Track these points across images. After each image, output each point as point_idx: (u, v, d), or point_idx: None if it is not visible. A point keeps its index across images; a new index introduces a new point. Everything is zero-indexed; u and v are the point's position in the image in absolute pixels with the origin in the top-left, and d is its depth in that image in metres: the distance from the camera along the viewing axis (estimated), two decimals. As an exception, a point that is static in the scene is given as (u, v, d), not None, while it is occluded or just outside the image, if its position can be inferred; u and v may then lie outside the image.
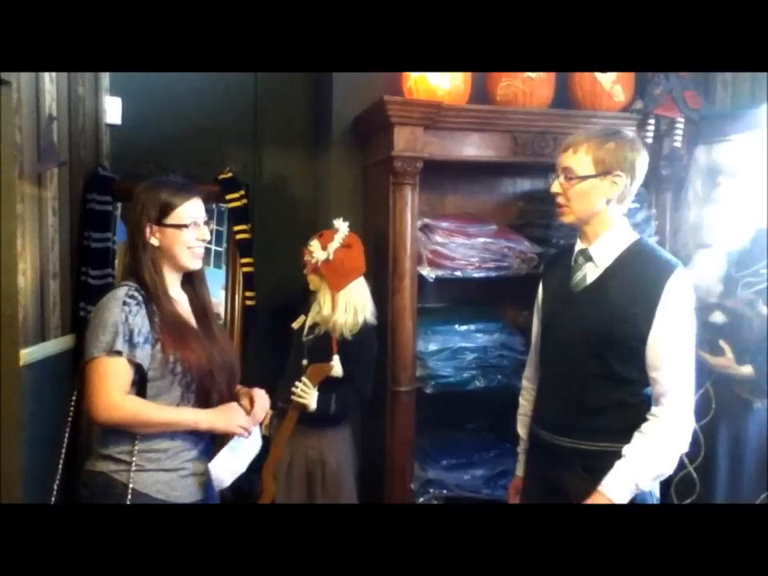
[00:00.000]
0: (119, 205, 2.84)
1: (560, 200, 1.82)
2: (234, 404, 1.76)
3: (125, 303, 1.64)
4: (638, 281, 1.73)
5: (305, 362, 2.39)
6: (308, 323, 2.45)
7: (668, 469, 1.70)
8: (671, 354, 1.70)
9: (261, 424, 1.87)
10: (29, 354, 2.25)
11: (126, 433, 1.66)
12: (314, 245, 2.41)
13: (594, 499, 1.66)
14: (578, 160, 1.76)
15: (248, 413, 1.79)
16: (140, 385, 1.67)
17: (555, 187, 1.82)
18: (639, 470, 1.67)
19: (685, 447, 1.71)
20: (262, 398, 1.84)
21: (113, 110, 2.98)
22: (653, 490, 1.79)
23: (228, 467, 1.77)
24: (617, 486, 1.66)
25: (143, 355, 1.64)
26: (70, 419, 1.83)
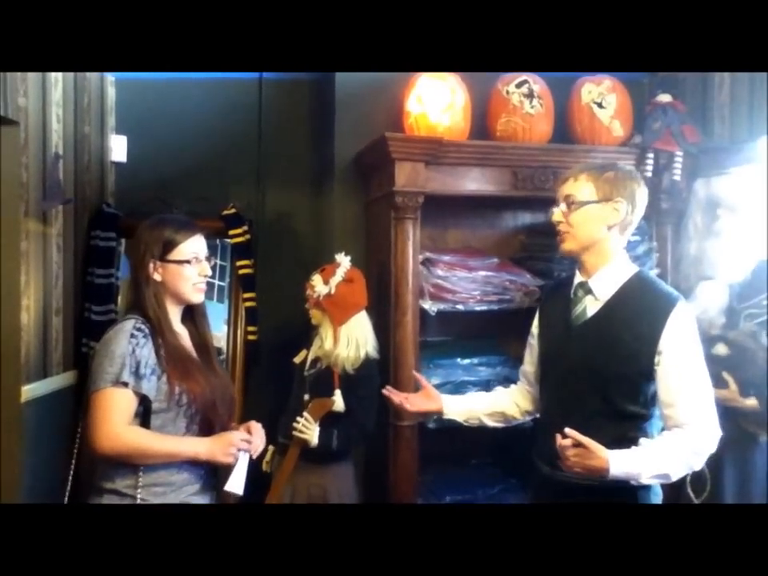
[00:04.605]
0: (123, 241, 2.86)
1: (562, 227, 1.82)
2: (232, 432, 1.77)
3: (132, 336, 1.67)
4: (639, 315, 1.73)
5: (306, 396, 2.38)
6: (310, 358, 2.45)
7: (674, 472, 1.67)
8: (683, 388, 1.68)
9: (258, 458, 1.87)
10: (31, 391, 2.25)
11: (129, 466, 1.67)
12: (316, 279, 2.42)
13: (595, 454, 1.60)
14: (579, 187, 1.79)
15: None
16: (144, 416, 1.70)
17: (557, 215, 1.83)
18: (648, 460, 1.64)
19: (698, 464, 1.71)
20: (260, 429, 1.86)
21: (118, 148, 3.03)
22: (657, 494, 1.78)
23: (241, 479, 1.79)
24: (621, 459, 1.62)
25: (149, 387, 1.67)
26: (75, 451, 1.84)
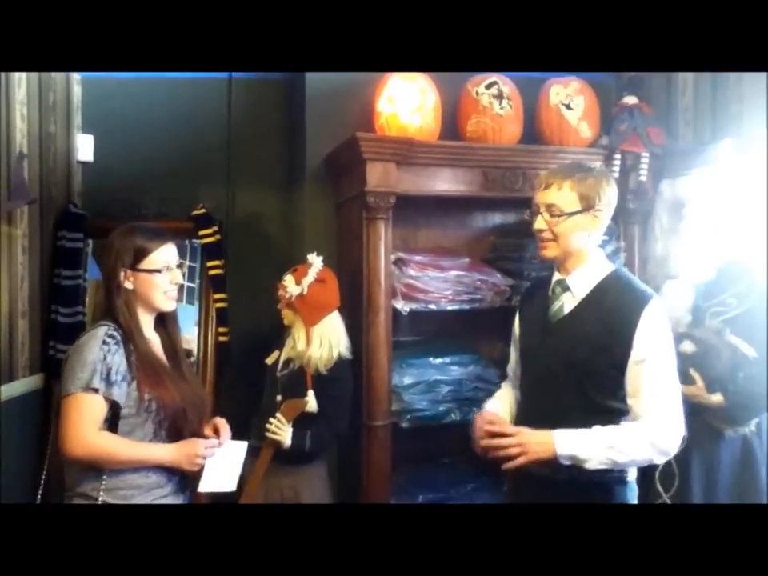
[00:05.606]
0: (90, 242, 2.82)
1: (545, 235, 1.83)
2: (197, 440, 1.78)
3: (104, 342, 1.69)
4: (614, 311, 1.76)
5: (279, 397, 2.37)
6: (282, 358, 2.44)
7: (624, 460, 1.69)
8: (648, 382, 1.72)
9: None
10: (-3, 394, 2.21)
11: (95, 469, 1.68)
12: (288, 280, 2.41)
13: (539, 438, 1.65)
14: (564, 197, 1.79)
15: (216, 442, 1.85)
16: (112, 422, 1.71)
17: (540, 224, 1.83)
18: (596, 443, 1.67)
19: (658, 458, 1.73)
20: (224, 425, 1.89)
21: (85, 148, 2.98)
22: (633, 490, 1.79)
23: (219, 477, 1.80)
24: (567, 439, 1.65)
25: (119, 393, 1.68)
26: (48, 452, 1.83)
